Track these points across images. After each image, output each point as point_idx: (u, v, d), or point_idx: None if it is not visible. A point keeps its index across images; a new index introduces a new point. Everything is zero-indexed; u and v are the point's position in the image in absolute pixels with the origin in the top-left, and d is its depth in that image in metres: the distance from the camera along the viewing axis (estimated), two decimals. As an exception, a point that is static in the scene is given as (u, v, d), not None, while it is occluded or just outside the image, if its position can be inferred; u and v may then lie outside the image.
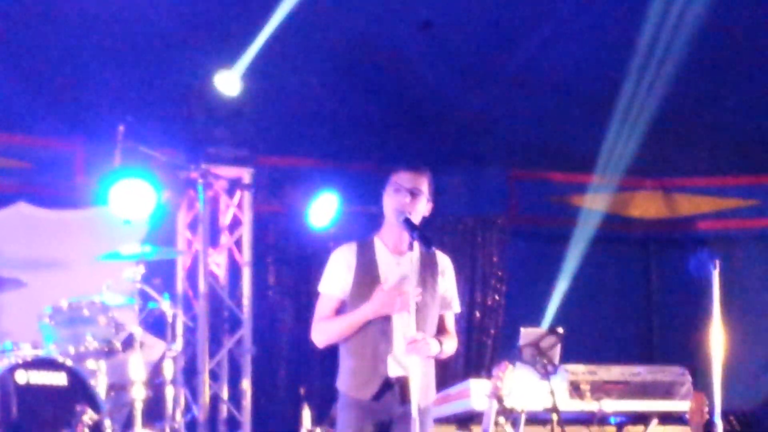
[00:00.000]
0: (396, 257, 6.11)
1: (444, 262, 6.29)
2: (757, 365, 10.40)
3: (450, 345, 6.19)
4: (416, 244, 5.89)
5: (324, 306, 6.18)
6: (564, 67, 9.85)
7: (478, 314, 10.72)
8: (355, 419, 6.07)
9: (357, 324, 6.07)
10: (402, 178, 6.04)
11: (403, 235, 6.06)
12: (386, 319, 6.04)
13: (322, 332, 6.15)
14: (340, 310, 6.14)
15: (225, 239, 9.60)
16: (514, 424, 7.58)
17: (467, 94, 10.20)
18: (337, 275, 6.17)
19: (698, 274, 7.94)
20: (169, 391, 8.47)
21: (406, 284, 6.03)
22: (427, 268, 6.17)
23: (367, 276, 6.11)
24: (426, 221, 6.22)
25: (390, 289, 5.98)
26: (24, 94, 9.08)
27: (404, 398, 5.86)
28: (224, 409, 9.29)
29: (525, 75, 9.93)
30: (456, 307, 6.32)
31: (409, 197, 5.95)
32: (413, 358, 5.84)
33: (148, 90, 9.32)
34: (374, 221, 6.42)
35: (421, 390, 5.88)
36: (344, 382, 6.12)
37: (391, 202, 6.01)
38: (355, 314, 6.09)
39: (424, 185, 6.04)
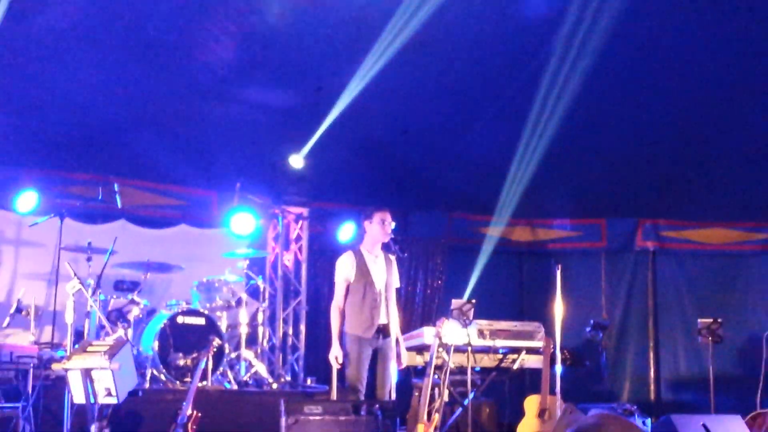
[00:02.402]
0: (372, 257, 8.05)
1: (393, 260, 8.19)
2: (578, 323, 11.14)
3: (396, 317, 8.13)
4: (379, 249, 8.05)
5: (339, 290, 7.97)
6: (477, 149, 11.26)
7: (428, 291, 12.10)
8: (358, 347, 7.87)
9: (336, 334, 7.98)
10: (386, 216, 8.07)
11: (376, 246, 7.99)
12: (375, 292, 7.92)
13: (333, 317, 8.04)
14: (348, 289, 8.01)
15: (293, 247, 11.02)
16: (447, 352, 8.74)
17: (427, 172, 11.64)
18: (344, 270, 7.99)
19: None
20: (260, 330, 10.18)
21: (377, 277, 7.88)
22: (388, 263, 8.15)
23: (360, 269, 8.00)
24: (401, 239, 8.34)
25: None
26: (182, 163, 10.52)
27: (385, 335, 7.90)
28: (290, 340, 10.79)
29: (460, 159, 11.46)
30: (397, 283, 8.22)
31: (390, 227, 8.04)
32: (392, 313, 7.96)
33: (253, 163, 10.66)
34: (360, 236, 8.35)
35: (393, 331, 8.00)
36: (351, 327, 7.92)
37: (379, 228, 8.01)
38: (335, 334, 7.98)
39: (390, 220, 8.07)
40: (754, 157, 11.48)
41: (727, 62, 10.24)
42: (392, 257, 8.32)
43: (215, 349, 8.39)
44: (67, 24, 9.11)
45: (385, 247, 8.21)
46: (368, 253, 8.19)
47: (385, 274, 8.16)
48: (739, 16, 9.57)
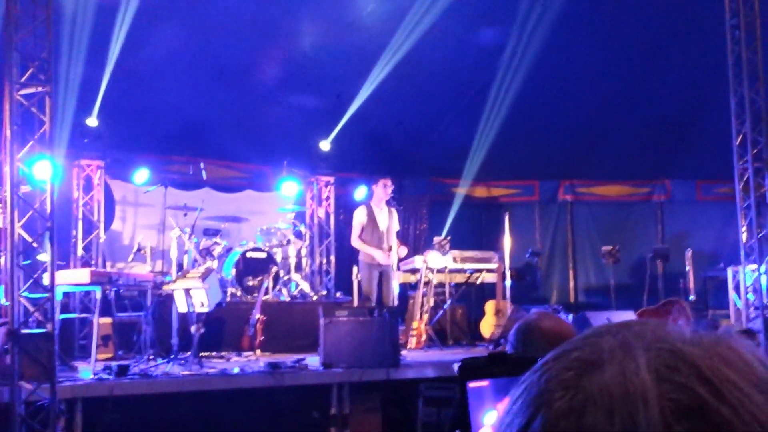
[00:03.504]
0: (378, 210, 8.32)
1: (394, 211, 8.43)
2: (520, 252, 10.98)
3: (398, 249, 8.37)
4: (384, 204, 8.30)
5: (355, 231, 8.37)
6: (448, 134, 11.19)
7: (417, 232, 12.01)
8: (369, 271, 8.27)
9: (368, 251, 8.18)
10: (387, 182, 8.38)
11: (381, 202, 8.27)
12: (379, 233, 8.30)
13: (357, 245, 8.34)
14: (362, 230, 8.35)
15: (324, 204, 10.89)
16: (431, 272, 8.90)
17: (415, 150, 11.54)
18: (358, 218, 8.34)
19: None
20: (304, 260, 10.07)
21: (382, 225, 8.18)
22: (390, 214, 8.37)
23: (369, 218, 8.33)
24: (398, 197, 8.86)
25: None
26: (247, 147, 10.42)
27: (388, 261, 8.27)
28: (324, 267, 10.70)
29: (437, 142, 11.33)
30: (397, 227, 8.44)
31: (390, 189, 8.37)
32: (392, 253, 8.24)
33: (295, 146, 10.47)
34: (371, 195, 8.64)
35: (393, 258, 8.31)
36: (364, 257, 8.32)
37: (382, 190, 8.30)
38: (369, 249, 8.15)
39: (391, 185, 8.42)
40: (639, 133, 11.48)
41: (612, 71, 10.58)
42: (393, 210, 8.37)
43: (273, 274, 8.54)
44: (166, 53, 9.37)
45: (388, 203, 8.32)
46: (375, 207, 8.31)
47: (388, 222, 8.24)
48: (618, 37, 10.15)
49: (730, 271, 9.10)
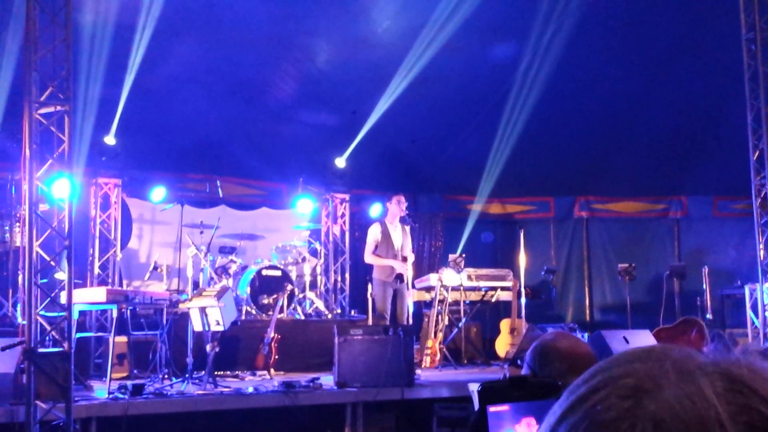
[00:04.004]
0: (393, 227, 8.26)
1: (408, 229, 8.36)
2: (536, 269, 10.97)
3: (411, 261, 8.35)
4: (398, 220, 8.22)
5: (369, 247, 8.24)
6: (463, 152, 11.04)
7: (432, 249, 11.83)
8: (383, 288, 8.18)
9: (383, 262, 8.11)
10: (401, 198, 8.30)
11: (395, 219, 8.19)
12: (394, 251, 8.22)
13: (371, 260, 8.25)
14: (376, 247, 8.24)
15: (339, 221, 10.81)
16: (446, 290, 8.84)
17: (429, 167, 11.53)
18: (373, 235, 8.24)
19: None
20: (319, 278, 10.11)
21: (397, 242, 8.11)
22: (404, 232, 8.33)
23: (384, 235, 8.26)
24: (413, 214, 8.79)
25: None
26: (263, 165, 10.41)
27: (401, 280, 8.15)
28: (339, 285, 10.60)
29: (451, 158, 11.22)
30: (410, 245, 8.40)
31: (404, 206, 8.26)
32: (406, 267, 8.14)
33: (311, 164, 10.50)
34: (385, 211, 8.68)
35: (408, 267, 8.20)
36: (378, 275, 8.19)
37: (396, 207, 8.21)
38: (384, 260, 8.09)
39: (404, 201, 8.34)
40: (654, 149, 11.42)
41: (626, 86, 10.54)
42: (407, 228, 8.34)
43: (288, 292, 8.45)
44: (183, 71, 9.43)
45: (402, 220, 8.23)
46: (390, 224, 8.26)
47: (402, 239, 8.21)
48: (634, 52, 10.00)
49: (747, 289, 8.95)
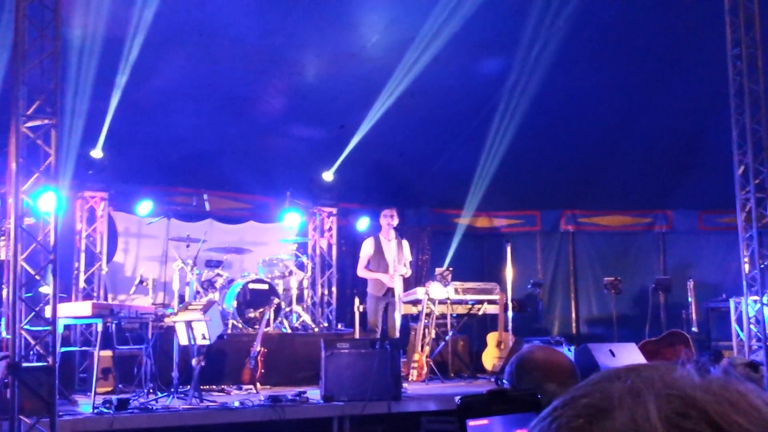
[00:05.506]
0: (386, 241, 8.33)
1: (404, 243, 8.49)
2: (522, 282, 10.94)
3: (405, 272, 8.49)
4: (393, 235, 8.32)
5: (362, 260, 8.36)
6: (450, 165, 11.14)
7: (419, 263, 11.62)
8: (375, 303, 8.33)
9: (373, 276, 8.22)
10: (392, 212, 8.38)
11: (390, 233, 8.32)
12: (386, 266, 8.34)
13: (362, 274, 8.41)
14: (369, 261, 8.39)
15: (326, 234, 10.79)
16: (433, 304, 8.80)
17: (417, 181, 11.59)
18: (366, 249, 8.36)
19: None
20: (305, 292, 10.13)
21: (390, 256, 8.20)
22: (399, 245, 8.39)
23: (377, 249, 8.36)
24: (400, 227, 8.80)
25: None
26: (250, 178, 10.40)
27: (393, 295, 8.28)
28: (325, 298, 10.55)
29: (439, 172, 11.27)
30: (409, 257, 8.59)
31: (394, 221, 8.39)
32: (396, 280, 8.24)
33: (298, 177, 10.51)
34: (377, 227, 8.80)
35: (398, 291, 8.35)
36: (372, 289, 8.31)
37: (387, 221, 8.32)
38: (374, 274, 8.22)
39: (395, 215, 8.46)
40: (640, 163, 11.48)
41: (613, 101, 10.57)
42: (404, 241, 8.35)
43: (275, 306, 8.39)
44: (172, 84, 9.36)
45: (398, 233, 8.41)
46: (383, 239, 8.32)
47: (396, 253, 8.22)
48: (620, 67, 10.05)
49: (732, 303, 9.08)
